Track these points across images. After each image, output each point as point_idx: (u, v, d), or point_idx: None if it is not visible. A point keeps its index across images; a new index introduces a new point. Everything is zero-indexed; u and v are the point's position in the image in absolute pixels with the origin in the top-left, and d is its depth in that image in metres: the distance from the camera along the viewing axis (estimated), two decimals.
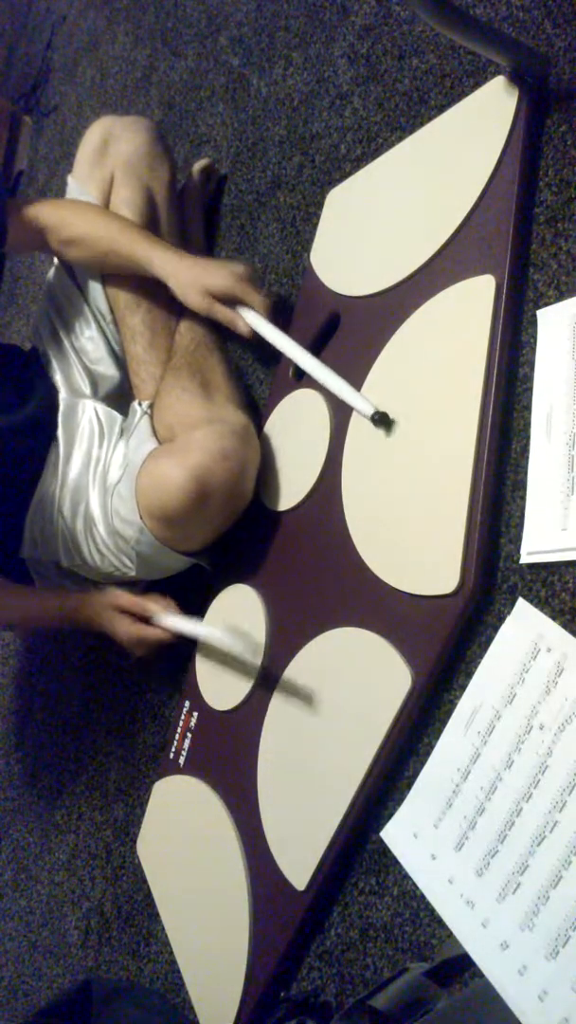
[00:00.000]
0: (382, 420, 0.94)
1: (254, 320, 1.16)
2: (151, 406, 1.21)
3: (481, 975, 0.67)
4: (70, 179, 1.38)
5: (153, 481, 1.10)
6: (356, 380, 1.02)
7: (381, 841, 0.81)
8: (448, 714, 0.78)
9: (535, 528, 0.77)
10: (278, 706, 0.98)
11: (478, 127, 0.98)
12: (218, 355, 1.25)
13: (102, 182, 1.34)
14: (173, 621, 1.14)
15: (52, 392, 1.30)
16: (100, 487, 1.19)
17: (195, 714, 1.12)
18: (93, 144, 1.36)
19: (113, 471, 1.18)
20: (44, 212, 1.27)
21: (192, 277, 1.19)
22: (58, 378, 1.31)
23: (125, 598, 1.18)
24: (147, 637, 1.17)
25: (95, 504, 1.18)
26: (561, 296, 0.83)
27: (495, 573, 0.80)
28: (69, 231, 1.26)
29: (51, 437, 1.27)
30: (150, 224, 1.32)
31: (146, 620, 1.17)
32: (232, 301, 1.18)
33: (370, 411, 0.95)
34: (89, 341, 1.31)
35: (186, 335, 1.26)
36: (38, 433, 1.26)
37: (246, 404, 1.18)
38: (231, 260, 1.26)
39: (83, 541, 1.19)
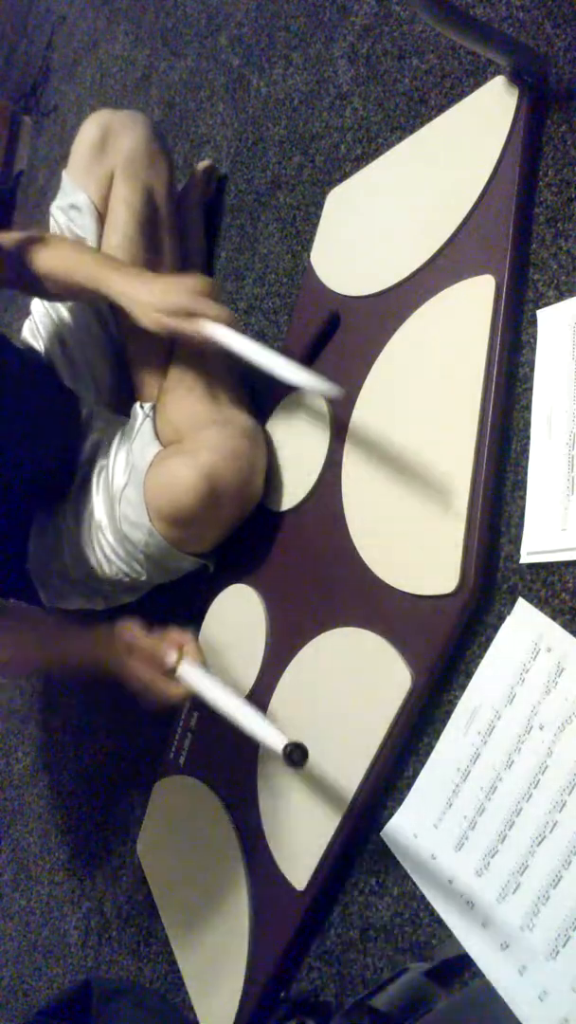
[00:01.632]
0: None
1: (221, 333, 1.06)
2: (153, 408, 1.21)
3: (481, 975, 0.67)
4: (65, 175, 1.38)
5: (163, 483, 1.10)
6: (356, 380, 1.02)
7: (381, 841, 0.81)
8: (448, 714, 0.78)
9: (535, 528, 0.77)
10: (278, 706, 0.98)
11: (478, 127, 0.98)
12: (222, 356, 1.25)
13: (100, 179, 1.33)
14: (192, 677, 0.97)
15: (68, 400, 1.27)
16: (105, 493, 1.18)
17: (195, 714, 1.12)
18: (91, 139, 1.35)
19: (118, 476, 1.17)
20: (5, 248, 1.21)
21: (149, 298, 1.11)
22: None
23: (137, 636, 1.04)
24: (159, 693, 1.02)
25: (101, 510, 1.17)
26: (561, 296, 0.83)
27: (495, 573, 0.80)
28: (30, 268, 1.21)
29: (65, 448, 1.26)
30: (149, 223, 1.31)
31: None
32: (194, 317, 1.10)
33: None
34: (87, 344, 1.31)
35: None
36: (51, 443, 1.25)
37: (251, 405, 1.18)
38: (188, 275, 1.16)
39: (89, 549, 1.18)
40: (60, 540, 1.21)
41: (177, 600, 1.22)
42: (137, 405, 1.25)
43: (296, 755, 0.78)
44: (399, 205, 1.08)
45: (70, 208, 1.34)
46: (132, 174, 1.32)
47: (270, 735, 0.82)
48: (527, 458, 0.80)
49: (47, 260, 1.19)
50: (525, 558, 0.77)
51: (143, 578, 1.18)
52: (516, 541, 0.79)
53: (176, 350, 1.25)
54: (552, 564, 0.75)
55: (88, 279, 1.16)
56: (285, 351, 1.18)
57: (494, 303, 0.87)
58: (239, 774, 1.00)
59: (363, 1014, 0.71)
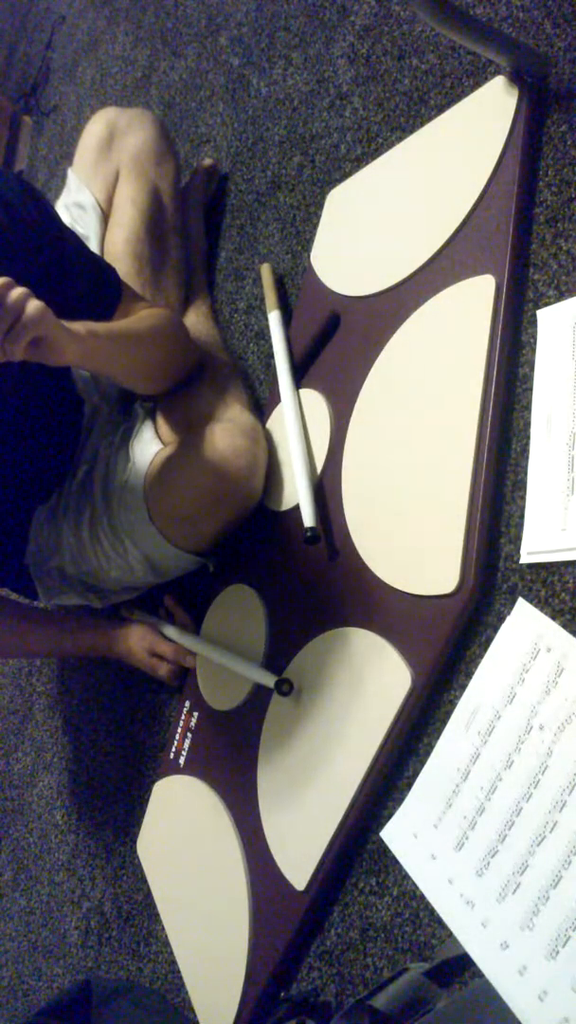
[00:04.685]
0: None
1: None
2: (154, 407, 1.21)
3: (481, 975, 0.67)
4: (70, 172, 1.37)
5: (163, 481, 1.09)
6: (356, 380, 1.02)
7: (381, 841, 0.81)
8: (448, 714, 0.78)
9: (535, 528, 0.77)
10: (278, 706, 0.98)
11: (478, 127, 0.98)
12: (224, 355, 1.25)
13: (106, 177, 1.33)
14: (189, 642, 1.16)
15: (71, 398, 1.27)
16: (105, 491, 1.18)
17: (195, 714, 1.12)
18: (97, 137, 1.35)
19: (118, 474, 1.17)
20: None
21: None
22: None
23: (162, 646, 1.17)
24: (183, 669, 1.19)
25: (100, 508, 1.17)
26: (561, 296, 0.84)
27: (495, 573, 0.80)
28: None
29: (71, 448, 1.26)
30: (155, 222, 1.31)
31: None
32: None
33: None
34: None
35: (191, 334, 1.26)
36: (52, 441, 1.25)
37: (252, 404, 1.18)
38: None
39: (89, 547, 1.18)
40: (60, 538, 1.21)
41: (177, 600, 1.22)
42: (138, 404, 1.25)
43: (285, 687, 0.94)
44: (399, 205, 1.08)
45: (75, 206, 1.34)
46: (139, 172, 1.32)
47: (261, 674, 1.00)
48: (527, 458, 0.80)
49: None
50: (525, 558, 0.77)
51: (142, 577, 1.18)
52: (516, 541, 0.79)
53: None
54: (552, 564, 0.75)
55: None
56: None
57: (494, 303, 0.87)
58: (239, 774, 1.00)
59: (363, 1014, 0.71)
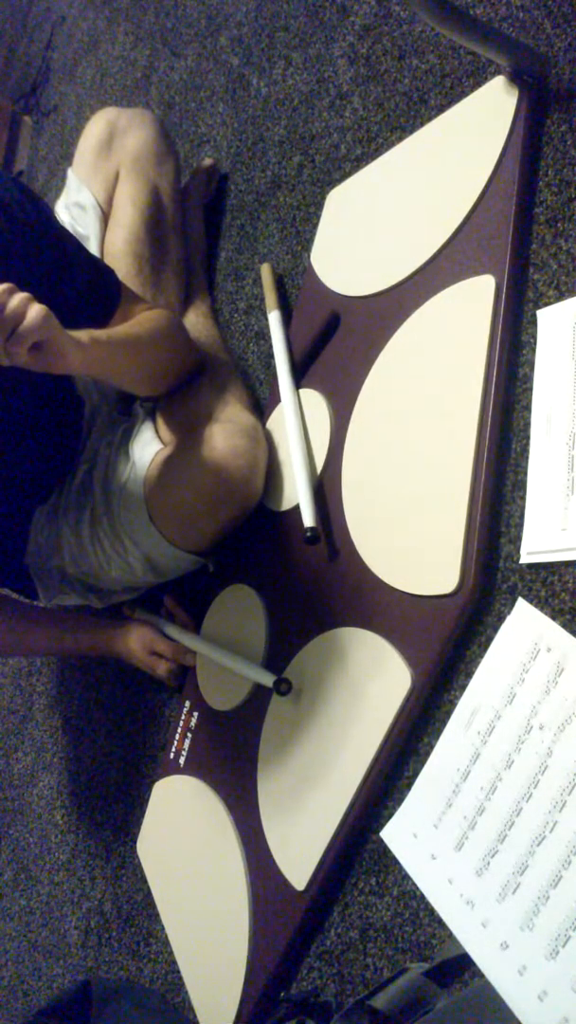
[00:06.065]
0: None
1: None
2: (154, 408, 1.21)
3: (481, 975, 0.67)
4: (70, 173, 1.37)
5: (163, 481, 1.09)
6: (356, 380, 1.02)
7: (381, 841, 0.81)
8: (448, 714, 0.78)
9: (535, 528, 0.77)
10: (278, 706, 0.98)
11: (478, 127, 0.98)
12: (224, 355, 1.25)
13: (106, 177, 1.33)
14: (189, 641, 1.16)
15: (71, 399, 1.27)
16: (105, 491, 1.18)
17: (195, 714, 1.12)
18: (97, 137, 1.35)
19: (118, 474, 1.17)
20: None
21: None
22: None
23: (162, 645, 1.17)
24: (182, 668, 1.19)
25: (100, 509, 1.17)
26: (561, 296, 0.84)
27: (495, 573, 0.80)
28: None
29: (71, 448, 1.26)
30: (155, 222, 1.31)
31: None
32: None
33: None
34: None
35: (191, 334, 1.26)
36: (52, 442, 1.25)
37: (252, 404, 1.18)
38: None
39: (89, 547, 1.18)
40: (60, 538, 1.21)
41: (177, 600, 1.22)
42: (138, 404, 1.25)
43: (283, 687, 0.95)
44: (399, 205, 1.08)
45: (75, 206, 1.34)
46: (139, 172, 1.32)
47: (260, 673, 1.00)
48: (527, 458, 0.80)
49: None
50: (525, 558, 0.77)
51: (142, 577, 1.18)
52: (516, 541, 0.79)
53: None
54: (552, 564, 0.75)
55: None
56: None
57: (494, 303, 0.87)
58: (239, 774, 1.00)
59: (363, 1014, 0.71)
